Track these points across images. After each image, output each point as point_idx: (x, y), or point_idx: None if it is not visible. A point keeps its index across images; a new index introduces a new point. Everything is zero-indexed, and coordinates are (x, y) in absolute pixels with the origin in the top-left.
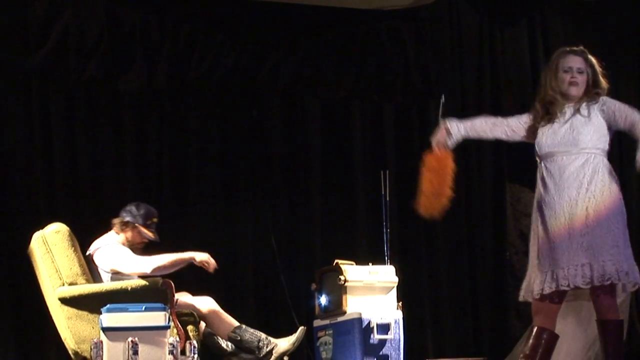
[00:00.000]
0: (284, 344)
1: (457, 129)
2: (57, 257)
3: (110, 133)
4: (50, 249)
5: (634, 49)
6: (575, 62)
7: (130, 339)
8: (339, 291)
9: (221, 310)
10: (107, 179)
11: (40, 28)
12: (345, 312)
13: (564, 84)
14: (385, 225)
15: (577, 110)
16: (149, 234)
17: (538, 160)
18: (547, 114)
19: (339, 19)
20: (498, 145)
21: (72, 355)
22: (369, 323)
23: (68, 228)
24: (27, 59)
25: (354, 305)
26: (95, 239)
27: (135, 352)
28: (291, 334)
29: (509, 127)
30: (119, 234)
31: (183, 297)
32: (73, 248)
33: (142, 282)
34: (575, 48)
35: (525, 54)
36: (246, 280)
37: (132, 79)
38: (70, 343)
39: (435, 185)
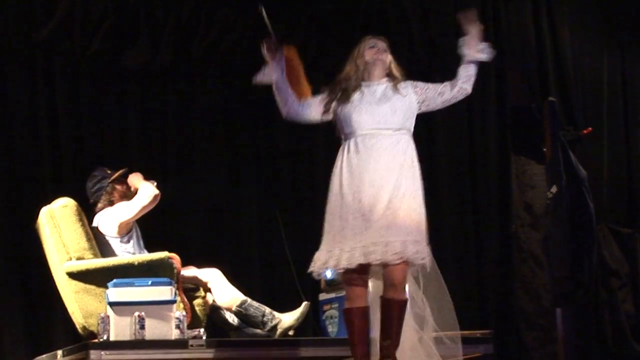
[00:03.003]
0: (288, 318)
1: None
2: (65, 231)
3: (115, 108)
4: (58, 224)
5: (639, 23)
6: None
7: (136, 313)
8: None
9: (227, 283)
10: (112, 155)
11: (45, 2)
12: None
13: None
14: None
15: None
16: (119, 174)
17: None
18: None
19: None
20: (502, 118)
21: (79, 330)
22: None
23: (76, 203)
24: (32, 34)
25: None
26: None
27: (142, 327)
28: (296, 308)
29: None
30: (112, 204)
31: (189, 271)
32: (81, 222)
33: (149, 257)
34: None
35: (529, 27)
36: (251, 254)
37: (137, 54)
38: (77, 317)
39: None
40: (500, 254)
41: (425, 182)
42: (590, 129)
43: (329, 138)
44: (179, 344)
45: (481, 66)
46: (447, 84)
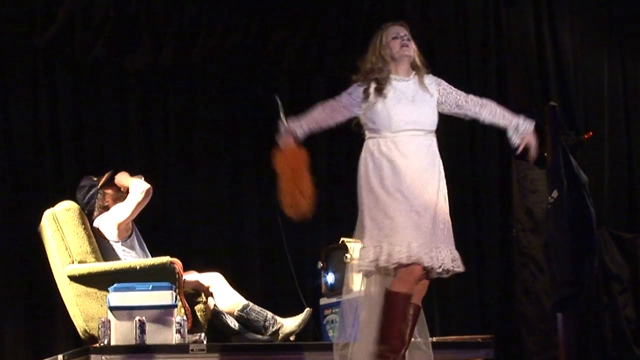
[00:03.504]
0: (289, 323)
1: (300, 129)
2: (67, 234)
3: (117, 112)
4: (61, 227)
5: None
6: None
7: (137, 318)
8: (345, 269)
9: (229, 287)
10: (114, 158)
11: (46, 7)
12: (351, 290)
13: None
14: None
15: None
16: (106, 178)
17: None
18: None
19: None
20: None
21: (80, 334)
22: None
23: (79, 206)
24: (33, 38)
25: (360, 283)
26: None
27: (143, 331)
28: (297, 313)
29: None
30: (107, 209)
31: (191, 276)
32: (83, 226)
33: (151, 262)
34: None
35: (530, 32)
36: (252, 259)
37: (138, 57)
38: (78, 321)
39: (296, 182)
40: (501, 259)
41: None
42: (591, 133)
43: (330, 142)
44: (180, 348)
45: (482, 69)
46: (471, 99)
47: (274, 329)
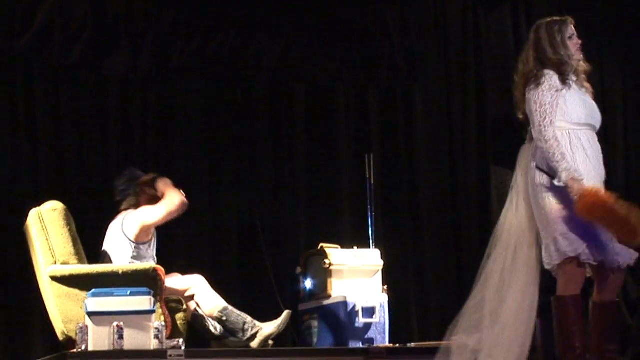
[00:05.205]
0: (269, 328)
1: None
2: (52, 235)
3: (95, 117)
4: (46, 227)
5: (618, 32)
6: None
7: (115, 323)
8: (324, 275)
9: (210, 289)
10: (92, 164)
11: (25, 11)
12: (330, 296)
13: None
14: (370, 209)
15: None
16: (149, 178)
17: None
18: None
19: (324, 2)
20: (482, 128)
21: (58, 335)
22: (354, 307)
23: (65, 207)
24: (11, 43)
25: (339, 289)
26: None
27: (121, 337)
28: (276, 318)
29: None
30: (137, 206)
31: (173, 278)
32: (68, 227)
33: (134, 267)
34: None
35: (509, 38)
36: (231, 264)
37: (117, 63)
38: (57, 322)
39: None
40: (479, 264)
41: (405, 193)
42: None
43: (311, 145)
44: (158, 354)
45: (461, 76)
46: None
47: (253, 332)
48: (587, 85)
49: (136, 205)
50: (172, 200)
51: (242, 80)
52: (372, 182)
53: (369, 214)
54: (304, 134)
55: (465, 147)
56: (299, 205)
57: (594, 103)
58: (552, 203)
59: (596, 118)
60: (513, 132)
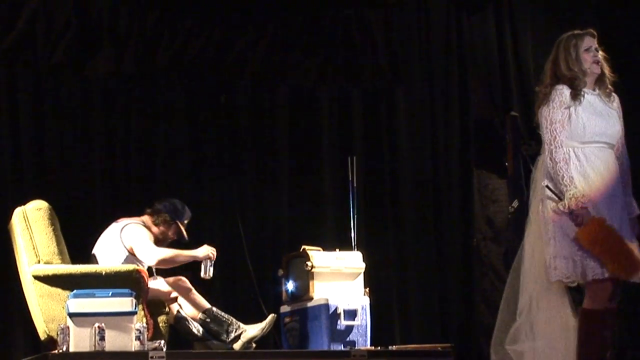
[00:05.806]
0: (252, 331)
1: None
2: (36, 234)
3: (78, 118)
4: (30, 225)
5: (601, 34)
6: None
7: (97, 324)
8: (305, 277)
9: (194, 291)
10: (75, 164)
11: (8, 12)
12: (312, 298)
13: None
14: (353, 211)
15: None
16: (185, 234)
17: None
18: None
19: (307, 4)
20: (465, 130)
21: (40, 334)
22: (335, 309)
23: (50, 206)
24: None
25: (320, 291)
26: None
27: (102, 338)
28: (258, 320)
29: None
30: (154, 224)
31: (157, 280)
32: (53, 227)
33: (117, 268)
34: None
35: (492, 39)
36: (213, 266)
37: (100, 64)
38: (39, 322)
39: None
40: (461, 268)
41: (387, 195)
42: None
43: (293, 147)
44: (139, 355)
45: (444, 79)
46: (622, 141)
47: (236, 334)
48: (614, 95)
49: (144, 223)
50: (193, 256)
51: (225, 82)
52: (355, 184)
53: (352, 216)
54: (287, 135)
55: (448, 149)
56: (281, 207)
57: (615, 116)
58: (555, 228)
59: (610, 134)
60: (495, 133)
